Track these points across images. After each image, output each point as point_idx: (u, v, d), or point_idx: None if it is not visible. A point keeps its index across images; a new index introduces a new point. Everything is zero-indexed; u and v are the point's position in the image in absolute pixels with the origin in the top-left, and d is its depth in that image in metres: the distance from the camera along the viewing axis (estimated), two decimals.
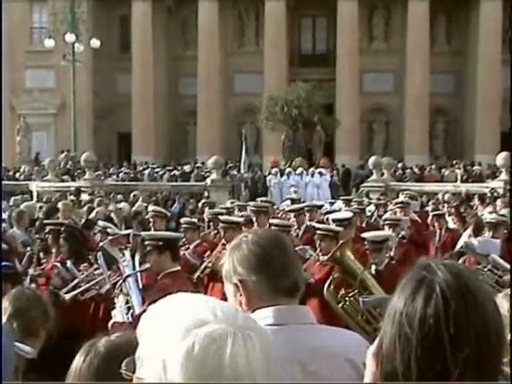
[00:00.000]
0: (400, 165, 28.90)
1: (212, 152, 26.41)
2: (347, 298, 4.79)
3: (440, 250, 9.63)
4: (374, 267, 6.28)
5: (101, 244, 6.61)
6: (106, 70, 37.70)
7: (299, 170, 25.11)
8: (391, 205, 12.15)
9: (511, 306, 2.05)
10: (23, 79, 36.77)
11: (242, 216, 9.54)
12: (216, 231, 8.73)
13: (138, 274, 5.28)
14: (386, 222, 9.15)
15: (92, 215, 11.63)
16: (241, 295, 2.01)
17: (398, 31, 36.90)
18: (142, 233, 5.96)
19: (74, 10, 28.00)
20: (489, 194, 14.81)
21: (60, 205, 11.09)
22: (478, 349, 1.28)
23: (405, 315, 1.32)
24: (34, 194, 18.91)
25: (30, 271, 6.29)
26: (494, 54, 33.69)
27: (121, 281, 5.14)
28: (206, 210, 11.72)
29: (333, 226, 7.40)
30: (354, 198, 14.47)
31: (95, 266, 6.21)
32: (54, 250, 6.93)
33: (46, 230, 7.31)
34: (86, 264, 6.28)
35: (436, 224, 10.19)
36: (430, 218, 10.65)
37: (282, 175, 25.11)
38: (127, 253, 5.47)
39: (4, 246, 6.31)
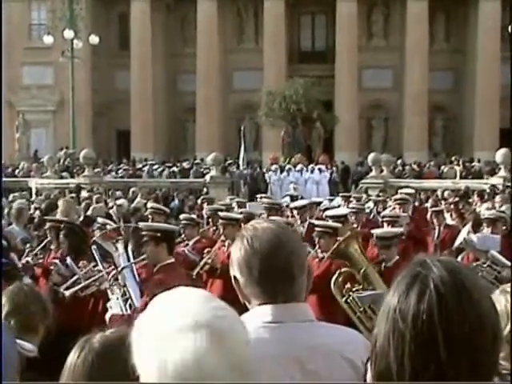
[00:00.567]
0: (399, 161, 28.88)
1: (211, 148, 26.43)
2: (351, 293, 4.79)
3: (439, 246, 9.62)
4: (382, 264, 6.27)
5: (93, 238, 6.61)
6: (105, 66, 37.62)
7: (299, 167, 25.09)
8: (390, 201, 12.13)
9: None
10: (22, 76, 36.67)
11: (241, 213, 9.53)
12: (215, 228, 8.74)
13: (134, 265, 5.28)
14: (385, 219, 9.13)
15: (89, 212, 11.60)
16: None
17: (397, 28, 36.87)
18: (140, 223, 5.95)
19: (72, 6, 27.93)
20: (488, 191, 14.79)
21: (62, 201, 11.05)
22: (473, 345, 1.27)
23: (398, 311, 1.31)
24: (33, 191, 18.91)
25: (28, 259, 6.33)
26: (492, 52, 33.69)
27: (113, 271, 5.14)
28: (205, 206, 11.70)
29: (332, 223, 7.40)
30: (353, 195, 14.46)
31: (94, 262, 6.21)
32: (53, 247, 6.95)
33: (46, 227, 7.31)
34: (84, 261, 6.28)
35: (435, 220, 10.17)
36: (428, 214, 10.65)
37: (281, 172, 25.11)
38: (120, 245, 5.46)
39: (3, 242, 6.32)
